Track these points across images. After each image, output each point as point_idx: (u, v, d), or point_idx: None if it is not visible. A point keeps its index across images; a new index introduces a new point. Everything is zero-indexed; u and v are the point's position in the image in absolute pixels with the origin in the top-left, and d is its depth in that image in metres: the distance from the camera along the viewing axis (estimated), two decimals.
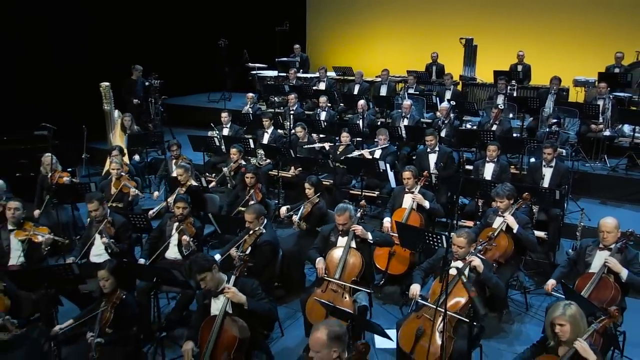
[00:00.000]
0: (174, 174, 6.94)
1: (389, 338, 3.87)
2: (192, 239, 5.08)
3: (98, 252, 5.19)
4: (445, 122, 8.39)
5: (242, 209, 6.04)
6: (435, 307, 3.95)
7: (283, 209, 5.95)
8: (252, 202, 5.88)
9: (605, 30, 11.46)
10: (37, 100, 9.65)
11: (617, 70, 9.80)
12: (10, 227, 5.17)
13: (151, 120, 10.72)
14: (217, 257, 4.82)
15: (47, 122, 8.89)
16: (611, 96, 8.55)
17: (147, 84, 10.64)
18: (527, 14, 12.36)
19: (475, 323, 3.93)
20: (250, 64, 12.36)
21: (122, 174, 6.69)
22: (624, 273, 4.32)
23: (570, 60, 11.33)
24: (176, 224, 5.22)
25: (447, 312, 3.78)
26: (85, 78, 9.80)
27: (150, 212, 6.23)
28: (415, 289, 4.39)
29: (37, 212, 6.54)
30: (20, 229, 5.16)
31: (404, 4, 13.99)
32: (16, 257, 5.08)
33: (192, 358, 3.65)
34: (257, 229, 4.80)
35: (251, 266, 4.02)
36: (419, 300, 4.32)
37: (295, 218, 5.61)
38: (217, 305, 3.76)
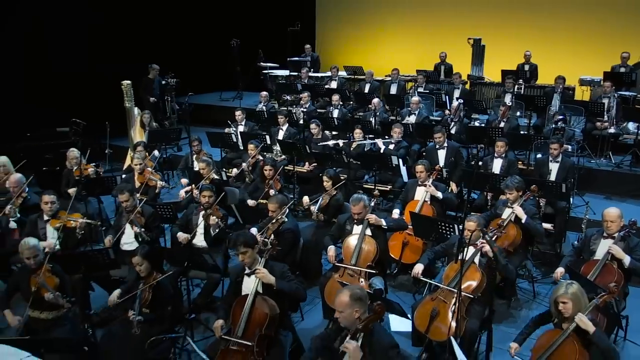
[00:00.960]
0: (196, 168, 7.28)
1: (407, 317, 4.15)
2: (219, 219, 5.38)
3: (128, 241, 5.49)
4: (455, 120, 8.65)
5: (262, 201, 6.37)
6: (455, 289, 4.22)
7: (305, 199, 6.23)
8: (272, 192, 6.18)
9: (610, 30, 11.67)
10: (58, 98, 10.00)
11: (622, 69, 10.02)
12: (45, 217, 5.47)
13: (167, 118, 11.06)
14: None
15: (67, 120, 9.31)
16: (616, 95, 8.77)
17: (163, 82, 10.97)
18: (534, 14, 12.56)
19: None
20: (262, 63, 12.62)
21: (148, 168, 6.99)
22: (627, 259, 4.58)
23: (576, 60, 11.55)
24: (202, 212, 5.52)
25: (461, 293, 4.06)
26: (106, 77, 10.16)
27: (182, 191, 6.60)
28: (417, 268, 4.69)
29: None
30: (54, 218, 5.47)
31: (412, 5, 14.23)
32: (53, 243, 5.37)
33: (222, 333, 3.93)
34: (279, 217, 5.09)
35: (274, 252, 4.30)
36: (421, 278, 4.61)
37: (314, 209, 5.90)
38: (248, 285, 4.05)
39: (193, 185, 6.73)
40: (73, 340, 3.95)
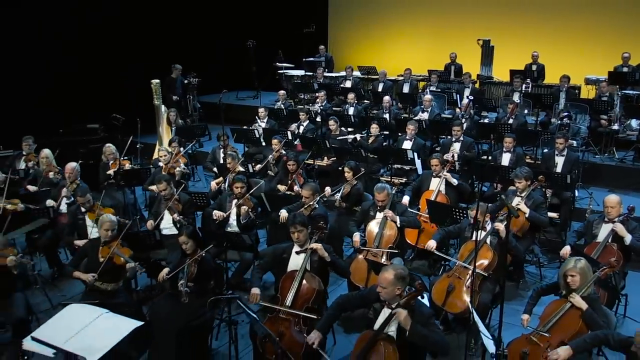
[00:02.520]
0: (221, 161, 7.79)
1: (427, 290, 4.63)
2: (250, 209, 5.87)
3: (167, 225, 5.99)
4: (466, 117, 9.10)
5: (287, 192, 6.87)
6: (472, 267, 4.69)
7: (327, 189, 6.72)
8: (296, 186, 6.68)
9: (614, 31, 12.03)
10: (88, 96, 10.54)
11: (625, 69, 10.42)
12: (82, 209, 5.95)
13: (189, 116, 11.56)
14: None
15: (97, 117, 9.84)
16: (619, 93, 9.18)
17: (185, 81, 11.47)
18: (541, 16, 12.93)
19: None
20: (280, 63, 13.09)
21: (179, 160, 7.52)
22: (628, 238, 5.03)
23: (582, 60, 11.90)
24: (235, 201, 6.01)
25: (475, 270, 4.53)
26: (129, 76, 10.69)
27: (213, 183, 7.22)
28: (431, 243, 5.18)
29: None
30: (90, 211, 5.93)
31: (423, 7, 14.65)
32: (90, 233, 5.83)
33: (260, 301, 4.40)
34: (311, 203, 5.59)
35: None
36: (436, 252, 5.12)
37: (337, 197, 6.38)
38: (296, 262, 4.54)
39: (221, 178, 7.22)
40: (134, 307, 4.43)
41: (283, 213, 5.83)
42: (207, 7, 13.57)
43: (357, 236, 5.57)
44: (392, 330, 3.61)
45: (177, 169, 7.49)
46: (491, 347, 3.54)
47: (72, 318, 3.12)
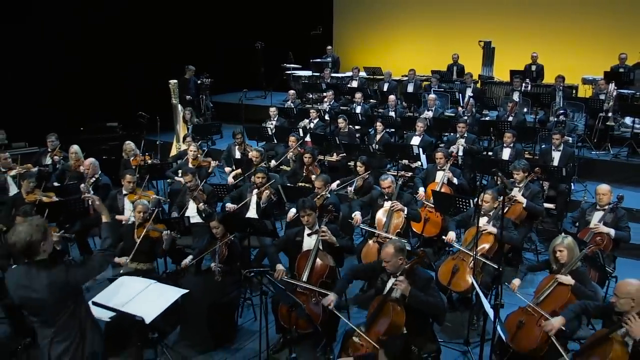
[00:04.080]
0: (237, 157, 8.31)
1: (433, 269, 5.10)
2: (271, 193, 6.38)
3: (192, 214, 6.47)
4: (468, 114, 9.58)
5: (302, 184, 7.35)
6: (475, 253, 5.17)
7: (334, 185, 7.17)
8: (313, 176, 7.17)
9: (611, 32, 12.49)
10: (107, 96, 11.04)
11: (621, 70, 10.88)
12: (124, 192, 6.46)
13: (202, 115, 12.04)
14: (293, 210, 6.15)
15: (112, 116, 10.34)
16: (614, 90, 9.62)
17: (199, 82, 11.95)
18: (541, 18, 13.41)
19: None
20: (288, 64, 13.57)
21: (199, 156, 8.03)
22: (612, 232, 5.52)
23: (580, 61, 12.35)
24: (255, 190, 6.50)
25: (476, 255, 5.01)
26: (133, 77, 11.21)
27: (230, 177, 7.76)
28: (451, 235, 5.61)
29: None
30: (132, 193, 6.45)
31: (426, 10, 15.16)
32: (128, 215, 6.34)
33: (286, 276, 4.86)
34: (324, 193, 6.06)
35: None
36: (455, 245, 5.52)
37: (350, 189, 6.86)
38: (309, 243, 5.02)
39: (240, 171, 7.71)
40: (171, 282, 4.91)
41: (291, 212, 6.29)
42: (217, 10, 14.03)
43: (357, 215, 6.06)
44: (397, 294, 4.08)
45: (213, 162, 8.07)
46: (490, 312, 4.00)
47: (126, 287, 3.58)
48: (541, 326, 4.20)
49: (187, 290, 3.77)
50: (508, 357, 4.59)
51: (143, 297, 3.58)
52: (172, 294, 3.65)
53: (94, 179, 7.09)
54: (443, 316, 4.33)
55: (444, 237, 5.81)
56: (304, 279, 4.77)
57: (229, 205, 6.53)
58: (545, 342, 4.22)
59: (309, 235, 5.05)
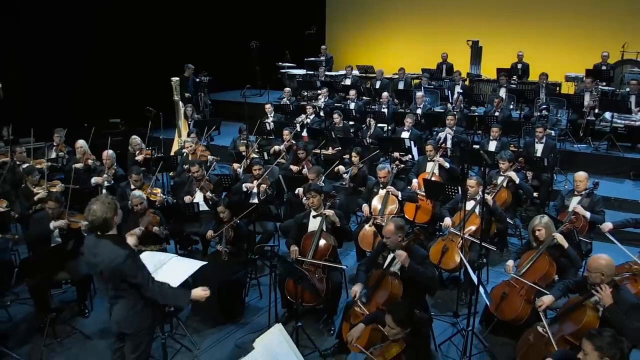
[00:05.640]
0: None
1: (426, 249, 5.56)
2: (268, 187, 6.80)
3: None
4: (457, 110, 10.07)
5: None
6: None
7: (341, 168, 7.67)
8: (305, 171, 7.61)
9: (592, 33, 13.10)
10: (111, 92, 11.42)
11: (603, 67, 11.43)
12: (132, 187, 6.84)
13: (200, 112, 12.42)
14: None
15: (117, 111, 10.70)
16: (598, 88, 10.15)
17: (197, 80, 12.35)
18: (527, 19, 14.01)
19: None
20: (284, 63, 13.98)
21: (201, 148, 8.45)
22: (587, 215, 6.00)
23: (563, 59, 12.95)
24: (255, 181, 6.93)
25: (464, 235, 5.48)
26: (148, 74, 11.58)
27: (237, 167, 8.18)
28: (448, 221, 6.06)
29: None
30: (139, 189, 6.81)
31: (416, 11, 15.71)
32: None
33: (298, 255, 5.29)
34: (318, 183, 6.50)
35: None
36: (452, 230, 5.97)
37: (347, 177, 7.31)
38: (313, 224, 5.47)
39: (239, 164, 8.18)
40: None
41: (300, 190, 6.75)
42: (216, 11, 14.42)
43: (365, 206, 6.52)
44: (396, 268, 4.53)
45: (209, 157, 8.45)
46: (475, 278, 4.47)
47: (149, 259, 3.97)
48: (522, 296, 4.68)
49: (206, 262, 4.17)
50: (493, 325, 5.08)
51: (167, 268, 3.98)
52: (193, 264, 4.06)
53: (113, 170, 7.49)
54: (435, 288, 4.79)
55: (441, 223, 6.26)
56: (309, 257, 5.21)
57: (248, 185, 6.98)
58: (525, 310, 4.71)
59: (314, 217, 5.49)
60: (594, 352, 3.11)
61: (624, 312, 3.80)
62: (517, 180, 6.75)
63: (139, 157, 8.38)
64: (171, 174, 8.71)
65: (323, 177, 6.81)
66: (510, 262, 5.24)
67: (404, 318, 3.75)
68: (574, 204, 6.18)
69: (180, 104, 10.34)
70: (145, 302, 3.66)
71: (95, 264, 3.53)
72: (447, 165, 7.48)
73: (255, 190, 6.94)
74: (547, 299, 4.48)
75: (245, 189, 6.92)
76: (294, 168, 8.05)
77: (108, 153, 7.57)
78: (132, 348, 3.78)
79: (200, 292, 3.79)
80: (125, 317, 3.66)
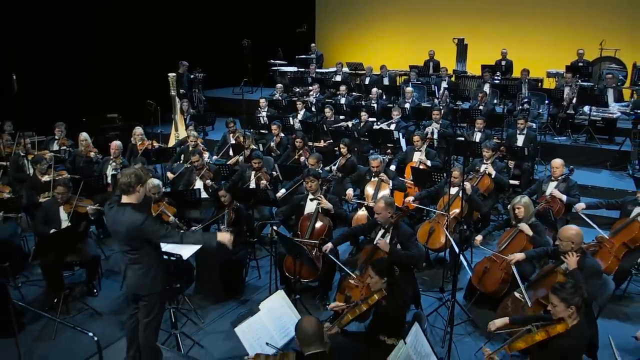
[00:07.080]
0: (232, 142, 9.09)
1: (413, 229, 5.97)
2: (267, 183, 7.17)
3: None
4: (443, 104, 10.51)
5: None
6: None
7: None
8: (302, 159, 7.98)
9: (574, 30, 13.69)
10: (108, 88, 11.72)
11: (580, 64, 11.94)
12: None
13: (194, 108, 12.72)
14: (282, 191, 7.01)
15: (116, 107, 11.01)
16: (577, 83, 10.62)
17: (192, 77, 12.67)
18: (510, 18, 14.57)
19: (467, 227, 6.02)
20: (275, 60, 14.35)
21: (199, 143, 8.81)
22: (564, 198, 6.47)
23: (544, 56, 13.46)
24: (254, 172, 7.31)
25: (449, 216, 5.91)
26: (143, 71, 11.91)
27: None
28: (409, 199, 6.53)
29: None
30: None
31: (404, 10, 16.19)
32: None
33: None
34: (316, 169, 6.89)
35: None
36: (418, 206, 6.45)
37: (334, 168, 7.70)
38: (311, 207, 5.87)
39: (237, 158, 8.52)
40: None
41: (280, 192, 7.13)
42: (209, 9, 14.73)
43: (350, 191, 6.88)
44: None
45: (206, 155, 8.76)
46: (457, 249, 4.89)
47: None
48: (502, 270, 5.12)
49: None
50: (476, 298, 5.51)
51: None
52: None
53: (119, 160, 7.82)
54: (421, 264, 5.21)
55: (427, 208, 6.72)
56: (306, 237, 5.60)
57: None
58: (505, 282, 5.14)
59: (311, 200, 5.88)
60: (561, 304, 3.53)
61: (587, 277, 4.25)
62: (494, 174, 7.15)
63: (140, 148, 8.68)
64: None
65: (321, 164, 7.21)
66: (479, 237, 5.68)
67: (383, 270, 4.12)
68: (551, 188, 6.64)
69: (177, 99, 10.67)
70: (157, 269, 4.04)
71: (117, 231, 3.92)
72: (428, 163, 7.85)
73: (253, 183, 7.29)
74: (519, 255, 4.95)
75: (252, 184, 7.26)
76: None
77: (116, 144, 7.89)
78: (146, 312, 4.14)
79: (226, 235, 4.19)
80: (139, 280, 4.04)
